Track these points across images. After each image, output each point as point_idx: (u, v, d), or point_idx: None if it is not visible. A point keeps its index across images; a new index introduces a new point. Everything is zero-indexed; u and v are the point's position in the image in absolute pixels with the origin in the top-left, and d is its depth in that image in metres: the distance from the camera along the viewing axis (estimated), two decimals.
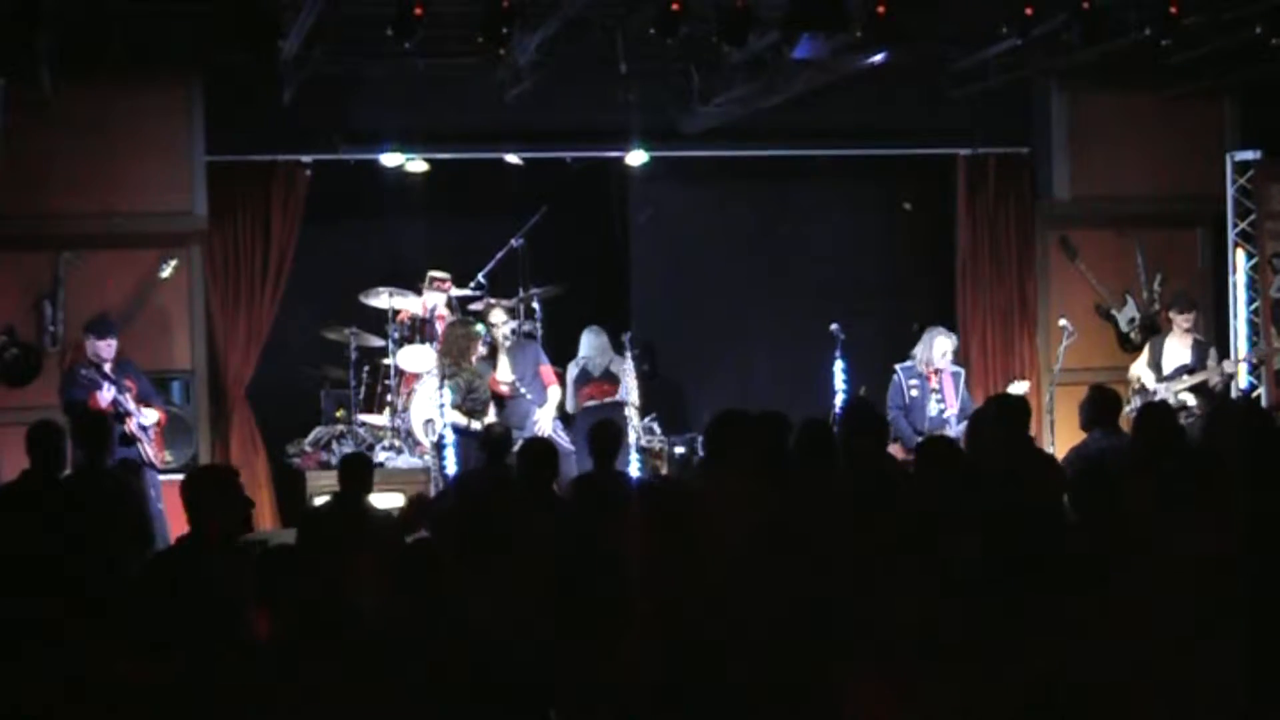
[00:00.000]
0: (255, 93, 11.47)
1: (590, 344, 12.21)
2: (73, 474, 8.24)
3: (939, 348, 10.99)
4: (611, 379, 12.04)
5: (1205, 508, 5.65)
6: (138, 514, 7.72)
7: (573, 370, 12.13)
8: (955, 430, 10.46)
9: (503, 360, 11.34)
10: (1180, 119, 13.00)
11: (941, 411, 10.86)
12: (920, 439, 10.59)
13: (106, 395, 10.20)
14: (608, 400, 11.94)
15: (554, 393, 11.45)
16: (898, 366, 11.04)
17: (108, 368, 10.46)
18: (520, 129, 12.23)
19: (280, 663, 4.49)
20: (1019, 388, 11.31)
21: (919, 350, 11.06)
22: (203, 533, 5.92)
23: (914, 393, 10.91)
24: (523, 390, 11.28)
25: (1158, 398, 11.28)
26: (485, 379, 11.25)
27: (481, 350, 11.38)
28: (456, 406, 11.02)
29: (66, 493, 7.72)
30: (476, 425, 10.81)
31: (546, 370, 11.52)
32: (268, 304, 12.08)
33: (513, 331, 11.67)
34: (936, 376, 10.95)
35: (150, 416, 10.51)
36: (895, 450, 10.57)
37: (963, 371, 11.30)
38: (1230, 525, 5.39)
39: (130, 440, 10.30)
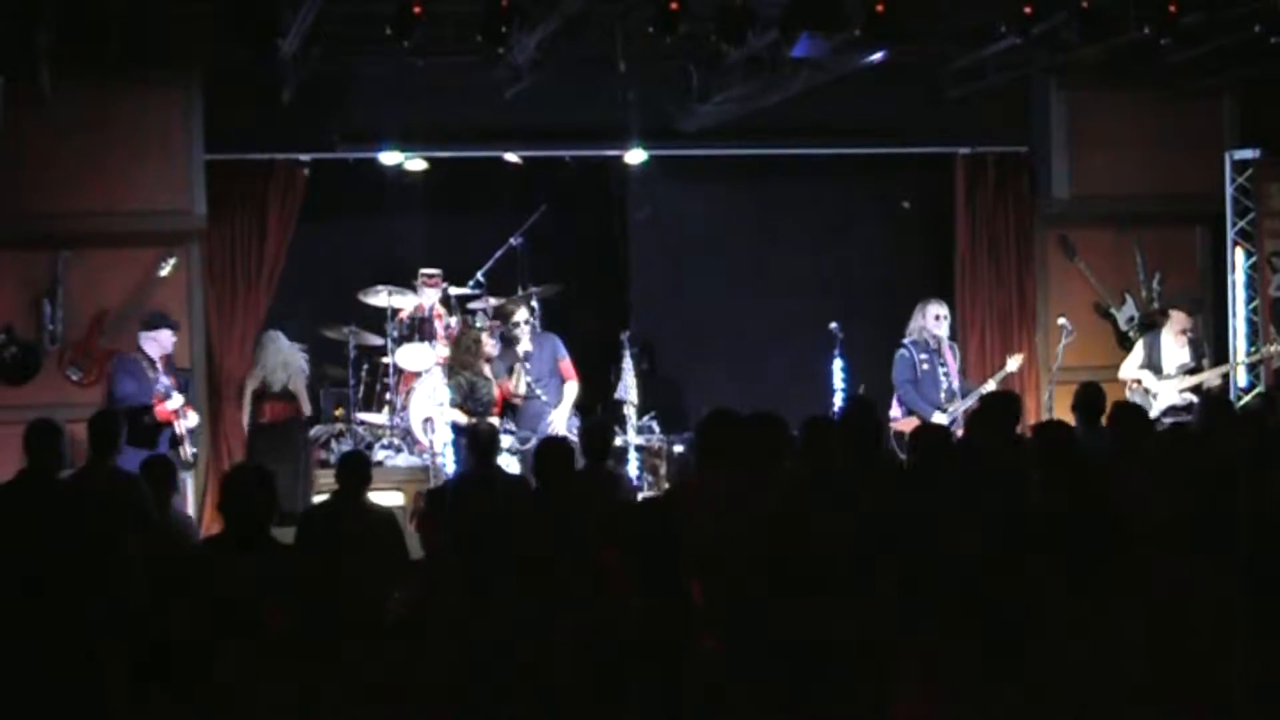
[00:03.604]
0: (254, 92, 11.47)
1: (273, 354, 12.05)
2: (78, 473, 8.23)
3: (931, 311, 11.23)
4: (289, 397, 11.93)
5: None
6: (143, 513, 7.69)
7: (252, 383, 12.00)
8: (962, 404, 10.85)
9: (519, 371, 11.33)
10: (1179, 118, 12.99)
11: (949, 384, 11.13)
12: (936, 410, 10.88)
13: (175, 403, 10.37)
14: (284, 419, 11.80)
15: (570, 389, 11.43)
16: (906, 341, 11.21)
17: (160, 365, 10.53)
18: (519, 127, 12.23)
19: (285, 659, 4.49)
20: (1014, 363, 11.65)
21: (915, 324, 11.25)
22: (232, 531, 5.89)
23: (925, 366, 11.14)
24: (538, 392, 11.28)
25: (1160, 397, 11.32)
26: (491, 382, 11.25)
27: (490, 351, 11.38)
28: (458, 406, 11.03)
29: (69, 492, 7.71)
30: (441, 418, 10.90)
31: (566, 365, 11.53)
32: (266, 302, 12.07)
33: (529, 325, 11.64)
34: (940, 348, 11.19)
35: (193, 419, 10.60)
36: (909, 424, 10.64)
37: (956, 347, 11.57)
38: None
39: (177, 441, 10.40)
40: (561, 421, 11.23)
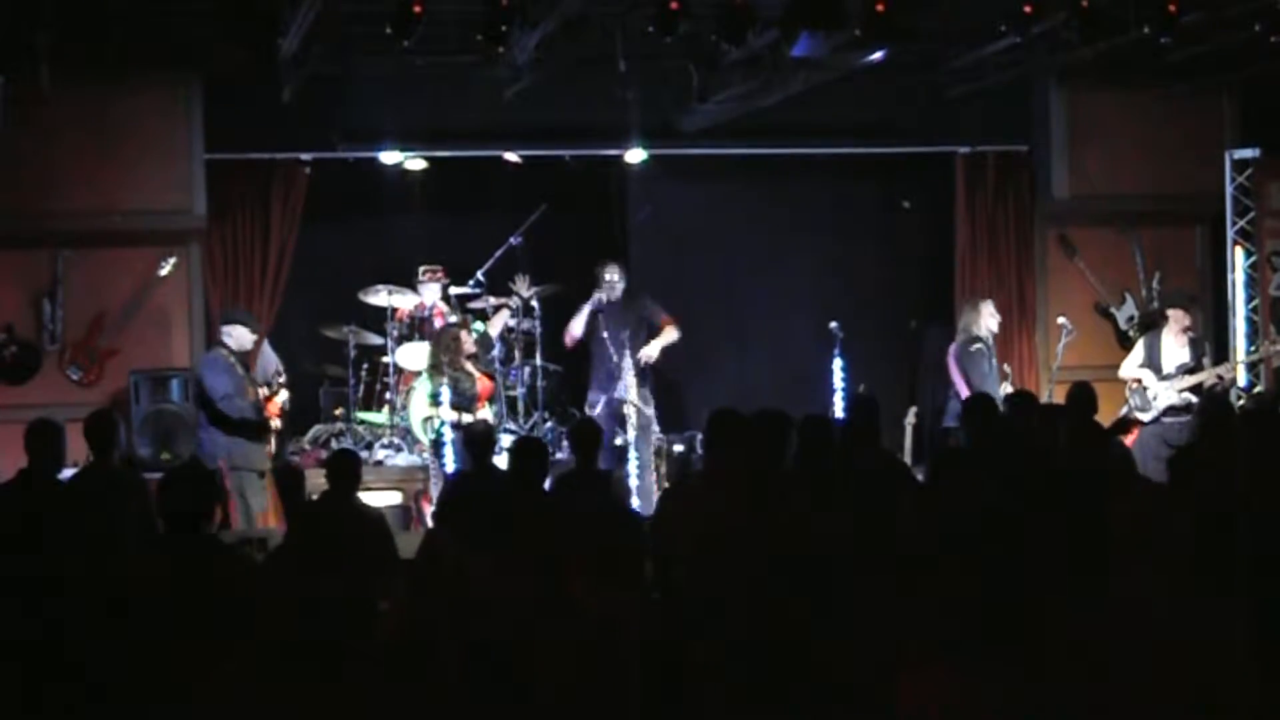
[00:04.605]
0: (254, 91, 11.46)
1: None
2: (78, 473, 8.24)
3: (988, 310, 11.59)
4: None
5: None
6: (143, 511, 7.69)
7: None
8: None
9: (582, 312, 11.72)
10: (1179, 117, 12.98)
11: None
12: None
13: (283, 396, 10.59)
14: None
15: (669, 331, 11.75)
16: (981, 337, 11.41)
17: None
18: (519, 127, 12.23)
19: (273, 660, 4.49)
20: (1008, 370, 11.97)
21: (978, 324, 11.45)
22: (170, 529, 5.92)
23: (993, 361, 11.43)
24: (611, 351, 11.52)
25: (1159, 397, 11.32)
26: (473, 377, 11.31)
27: (469, 348, 11.42)
28: (451, 404, 11.09)
29: (69, 492, 7.71)
30: (468, 418, 10.92)
31: (663, 319, 11.81)
32: (267, 302, 12.06)
33: (624, 291, 11.84)
34: None
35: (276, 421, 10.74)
36: None
37: None
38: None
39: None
40: (654, 349, 11.68)
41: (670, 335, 11.78)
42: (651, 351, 11.67)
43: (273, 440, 10.64)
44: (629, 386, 11.63)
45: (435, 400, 11.09)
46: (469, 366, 11.36)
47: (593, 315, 11.76)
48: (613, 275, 11.79)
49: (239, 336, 10.65)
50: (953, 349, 11.61)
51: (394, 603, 5.21)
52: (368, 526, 7.86)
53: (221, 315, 11.17)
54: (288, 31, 9.58)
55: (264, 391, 10.56)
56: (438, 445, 11.02)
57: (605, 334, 11.64)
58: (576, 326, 11.77)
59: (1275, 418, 8.84)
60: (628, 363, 11.65)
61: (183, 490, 5.85)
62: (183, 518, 5.77)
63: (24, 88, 10.42)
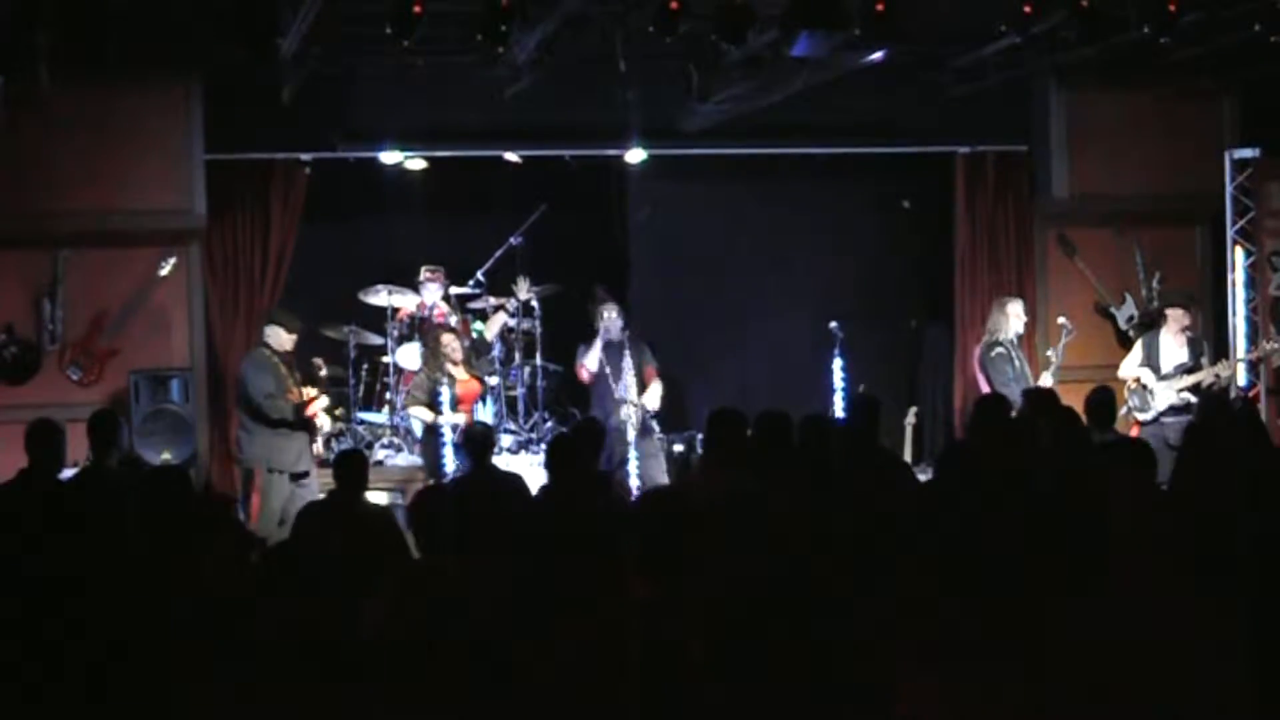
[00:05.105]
0: (254, 91, 11.48)
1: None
2: (79, 472, 8.25)
3: (1014, 309, 11.57)
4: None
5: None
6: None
7: None
8: None
9: (595, 348, 11.57)
10: (1179, 117, 13.00)
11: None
12: None
13: (323, 402, 10.59)
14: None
15: (655, 386, 11.58)
16: (1003, 340, 11.39)
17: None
18: (519, 127, 12.23)
19: (278, 662, 4.49)
20: None
21: (1003, 326, 11.45)
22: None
23: (1017, 364, 11.40)
24: (613, 385, 11.41)
25: (1158, 396, 11.32)
26: (454, 380, 11.32)
27: (454, 355, 11.42)
28: (426, 404, 11.10)
29: (69, 492, 7.71)
30: (442, 421, 10.94)
31: (650, 371, 11.65)
32: (267, 302, 12.07)
33: (622, 330, 11.65)
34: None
35: (325, 421, 10.78)
36: None
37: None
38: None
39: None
40: (652, 399, 11.52)
41: (657, 389, 11.61)
42: (652, 403, 11.53)
43: (319, 440, 10.64)
44: (629, 386, 11.63)
45: (430, 401, 11.08)
46: (451, 369, 11.35)
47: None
48: (610, 314, 11.66)
49: (276, 336, 10.64)
50: (976, 351, 11.67)
51: (396, 601, 5.21)
52: (375, 525, 7.86)
53: (263, 314, 11.21)
54: (288, 31, 9.58)
55: (309, 392, 10.53)
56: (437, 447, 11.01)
57: (608, 369, 11.53)
58: (592, 361, 11.56)
59: (1258, 418, 8.86)
60: (627, 363, 11.63)
61: (166, 491, 5.86)
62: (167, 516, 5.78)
63: (24, 88, 10.43)
